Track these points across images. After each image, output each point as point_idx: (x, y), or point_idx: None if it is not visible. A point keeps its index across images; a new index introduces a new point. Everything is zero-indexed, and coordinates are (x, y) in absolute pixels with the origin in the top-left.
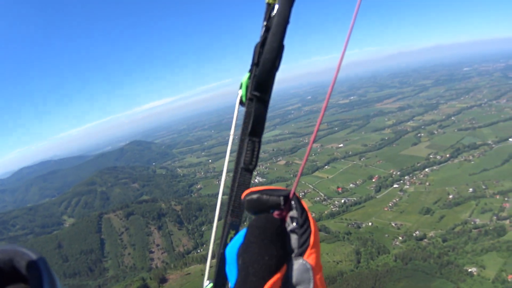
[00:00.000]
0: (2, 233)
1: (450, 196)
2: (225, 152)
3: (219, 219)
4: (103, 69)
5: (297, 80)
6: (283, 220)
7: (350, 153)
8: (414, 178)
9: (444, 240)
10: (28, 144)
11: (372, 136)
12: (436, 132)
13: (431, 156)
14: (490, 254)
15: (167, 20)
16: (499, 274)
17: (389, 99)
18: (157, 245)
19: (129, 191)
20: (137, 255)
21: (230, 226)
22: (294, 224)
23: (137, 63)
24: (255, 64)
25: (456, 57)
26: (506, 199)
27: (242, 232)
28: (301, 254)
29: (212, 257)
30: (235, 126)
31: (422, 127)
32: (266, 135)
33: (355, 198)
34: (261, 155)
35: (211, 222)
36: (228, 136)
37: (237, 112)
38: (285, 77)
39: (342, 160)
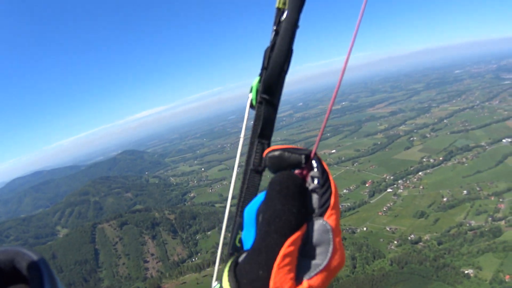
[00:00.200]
0: None
1: (444, 199)
2: (218, 160)
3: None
4: (94, 78)
5: (288, 87)
6: (303, 179)
7: (343, 158)
8: (408, 182)
9: (440, 243)
10: (20, 154)
11: (365, 141)
12: (428, 136)
13: (424, 159)
14: (486, 255)
15: (157, 29)
16: (496, 275)
17: (380, 103)
18: (152, 255)
19: (122, 201)
20: (131, 264)
21: (238, 227)
22: (315, 183)
23: (128, 72)
24: (264, 68)
25: (447, 60)
26: (501, 200)
27: (261, 194)
28: (322, 215)
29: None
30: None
31: (415, 131)
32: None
33: (349, 204)
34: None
35: (205, 231)
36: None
37: (247, 115)
38: None
39: (335, 166)
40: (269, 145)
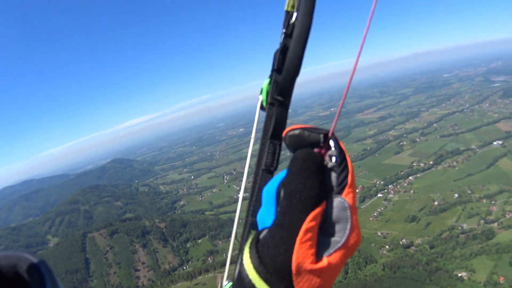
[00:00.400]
0: None
1: (435, 203)
2: (207, 168)
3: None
4: (83, 87)
5: None
6: (322, 157)
7: None
8: (398, 187)
9: (432, 247)
10: (10, 163)
11: (354, 146)
12: (418, 140)
13: (414, 164)
14: (479, 258)
15: (145, 36)
16: (491, 277)
17: (369, 109)
18: (143, 263)
19: (112, 210)
20: (122, 273)
21: (251, 226)
22: (333, 162)
23: (116, 80)
24: (275, 70)
25: (436, 64)
26: (493, 202)
27: (279, 174)
28: (340, 192)
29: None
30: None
31: (404, 135)
32: (247, 150)
33: None
34: (243, 170)
35: (196, 239)
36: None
37: (257, 117)
38: None
39: None
40: (280, 146)
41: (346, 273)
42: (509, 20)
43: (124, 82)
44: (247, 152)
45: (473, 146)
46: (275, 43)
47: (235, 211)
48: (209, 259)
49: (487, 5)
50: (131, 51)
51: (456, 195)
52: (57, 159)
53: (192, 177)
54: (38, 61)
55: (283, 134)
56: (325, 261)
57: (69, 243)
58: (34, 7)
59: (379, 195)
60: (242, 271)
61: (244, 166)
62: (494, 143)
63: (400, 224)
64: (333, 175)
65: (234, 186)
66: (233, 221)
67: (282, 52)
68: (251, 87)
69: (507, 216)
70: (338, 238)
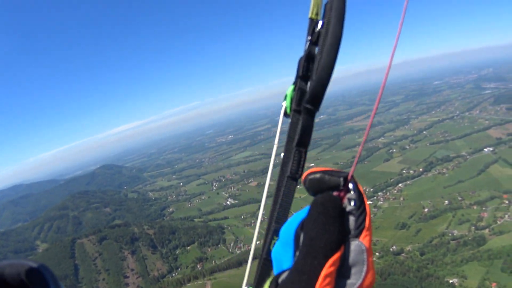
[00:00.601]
0: None
1: (426, 210)
2: (196, 174)
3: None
4: (73, 93)
5: (265, 101)
6: (341, 201)
7: None
8: (388, 194)
9: (422, 253)
10: None
11: (343, 154)
12: (408, 147)
13: (404, 171)
14: (471, 264)
15: (135, 44)
16: (482, 283)
17: (359, 116)
18: (132, 270)
19: (101, 216)
20: (112, 280)
21: (273, 232)
22: (352, 205)
23: (106, 87)
24: (299, 77)
25: (426, 72)
26: (484, 208)
27: (297, 214)
28: (357, 236)
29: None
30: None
31: (394, 142)
32: (236, 157)
33: None
34: (232, 177)
35: (185, 246)
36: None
37: (281, 123)
38: (255, 98)
39: None
40: (306, 153)
41: None
42: (500, 27)
43: (114, 88)
44: (236, 159)
45: (463, 153)
46: (265, 51)
47: (224, 218)
48: (198, 266)
49: (478, 12)
50: (121, 58)
51: (446, 201)
52: (46, 164)
53: (181, 184)
54: (28, 67)
55: (303, 177)
56: None
57: (58, 249)
58: (21, 15)
59: (369, 202)
60: None
61: (232, 174)
62: (485, 149)
63: (390, 231)
64: (351, 218)
65: (223, 193)
66: (222, 228)
67: (307, 59)
68: (239, 95)
69: (498, 222)
70: (354, 280)
